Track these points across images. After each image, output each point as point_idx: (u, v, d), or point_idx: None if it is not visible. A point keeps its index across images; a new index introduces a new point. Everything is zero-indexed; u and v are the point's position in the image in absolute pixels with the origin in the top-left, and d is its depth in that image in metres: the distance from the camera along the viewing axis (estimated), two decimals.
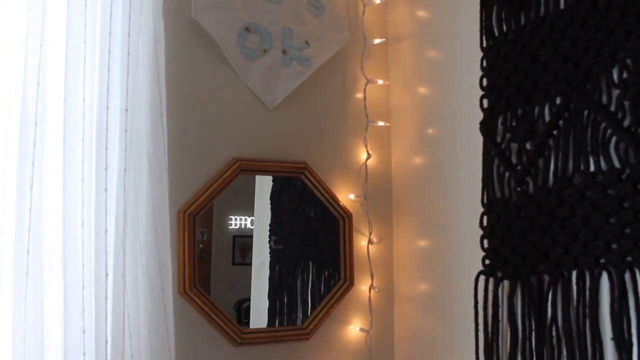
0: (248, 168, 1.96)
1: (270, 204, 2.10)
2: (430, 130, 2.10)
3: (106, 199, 1.61)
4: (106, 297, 1.58)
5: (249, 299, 2.04)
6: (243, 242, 2.05)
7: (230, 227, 2.03)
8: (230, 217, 2.03)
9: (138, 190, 1.71)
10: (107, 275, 1.59)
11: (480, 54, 1.77)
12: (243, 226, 2.05)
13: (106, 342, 1.57)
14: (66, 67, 1.62)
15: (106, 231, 1.60)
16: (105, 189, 1.61)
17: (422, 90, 2.15)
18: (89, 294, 1.57)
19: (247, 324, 2.01)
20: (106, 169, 1.62)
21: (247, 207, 2.07)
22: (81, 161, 1.61)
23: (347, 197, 2.14)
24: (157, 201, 1.71)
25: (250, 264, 2.06)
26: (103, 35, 1.67)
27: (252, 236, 2.07)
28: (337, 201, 2.10)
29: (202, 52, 1.96)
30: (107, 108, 1.65)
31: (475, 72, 1.78)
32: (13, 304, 1.50)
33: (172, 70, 1.84)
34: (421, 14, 2.18)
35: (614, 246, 1.34)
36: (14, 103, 1.56)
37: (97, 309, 1.57)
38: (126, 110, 1.67)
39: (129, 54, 1.69)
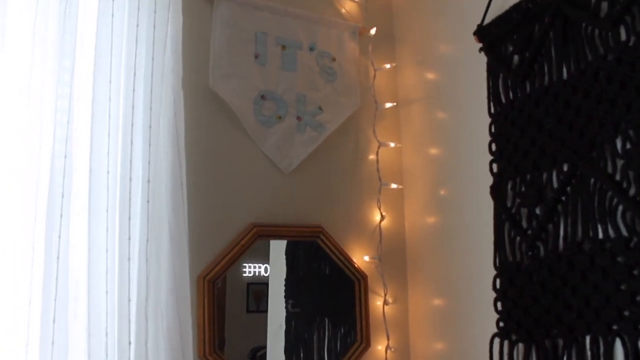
0: (265, 234, 1.99)
1: (286, 259, 2.11)
2: (442, 192, 2.13)
3: (129, 268, 1.65)
4: None
5: (263, 347, 2.02)
6: (257, 289, 2.05)
7: (244, 275, 2.03)
8: (244, 264, 2.03)
9: (159, 258, 1.74)
10: (130, 343, 1.62)
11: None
12: (257, 273, 2.05)
13: None
14: (91, 140, 1.68)
15: (129, 300, 1.64)
16: (129, 258, 1.65)
17: (433, 151, 2.19)
18: None
19: None
20: (129, 238, 1.67)
21: (261, 255, 2.06)
22: (105, 231, 1.65)
23: (362, 258, 2.17)
24: (178, 269, 1.75)
25: (264, 311, 2.04)
26: (126, 109, 1.73)
27: (266, 283, 2.06)
28: (352, 263, 2.13)
29: (220, 120, 2.00)
30: (130, 179, 1.70)
31: (485, 133, 1.82)
32: None
33: (191, 139, 1.89)
34: (430, 77, 2.23)
35: (626, 313, 1.35)
36: (42, 176, 1.61)
37: None
38: (148, 181, 1.72)
39: (150, 126, 1.75)
